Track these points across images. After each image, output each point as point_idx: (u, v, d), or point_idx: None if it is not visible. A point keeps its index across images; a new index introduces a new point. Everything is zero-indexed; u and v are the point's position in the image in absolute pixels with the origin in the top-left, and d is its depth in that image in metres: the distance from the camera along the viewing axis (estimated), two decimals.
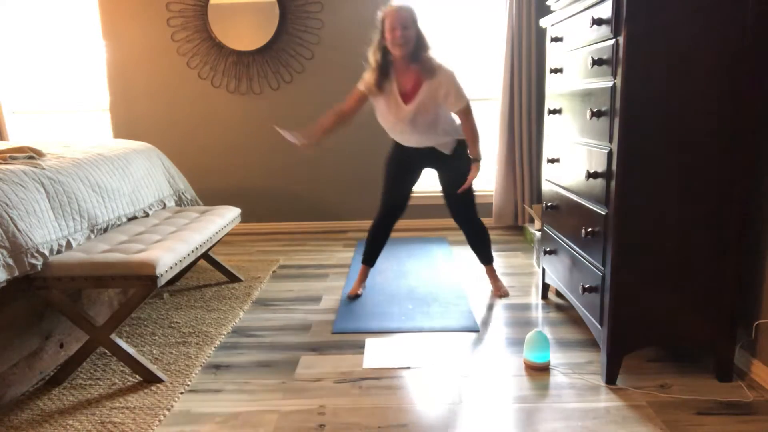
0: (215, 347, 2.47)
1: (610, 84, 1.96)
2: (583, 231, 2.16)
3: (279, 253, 3.93)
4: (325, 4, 4.26)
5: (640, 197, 1.95)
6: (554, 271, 2.68)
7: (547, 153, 2.77)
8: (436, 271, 3.44)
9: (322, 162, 4.47)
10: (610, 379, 2.08)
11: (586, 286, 2.16)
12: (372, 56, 2.75)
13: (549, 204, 2.73)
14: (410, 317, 2.74)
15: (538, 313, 2.78)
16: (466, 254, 3.77)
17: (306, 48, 4.31)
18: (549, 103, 2.73)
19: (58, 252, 2.19)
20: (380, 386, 2.11)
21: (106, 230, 2.57)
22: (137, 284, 2.12)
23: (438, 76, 2.67)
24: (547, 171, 2.77)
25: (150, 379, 2.16)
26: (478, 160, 2.80)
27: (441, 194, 2.99)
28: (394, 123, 2.77)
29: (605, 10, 1.97)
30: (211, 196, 4.48)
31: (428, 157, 2.87)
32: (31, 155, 2.48)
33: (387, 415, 1.93)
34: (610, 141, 1.97)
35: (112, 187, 2.67)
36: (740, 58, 1.85)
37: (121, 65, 4.39)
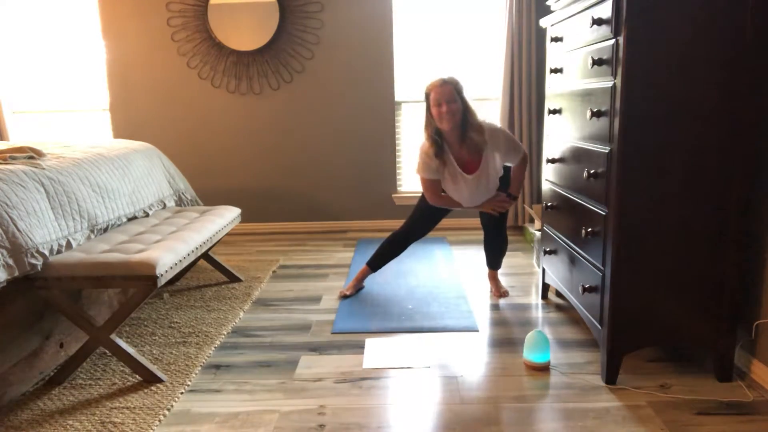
0: (215, 347, 2.47)
1: (610, 84, 1.96)
2: (583, 231, 2.16)
3: (279, 253, 3.93)
4: (325, 4, 4.26)
5: (640, 197, 1.94)
6: (554, 271, 2.68)
7: (547, 153, 2.77)
8: (436, 271, 3.44)
9: (322, 162, 4.48)
10: (610, 379, 2.08)
11: (586, 286, 2.16)
12: (425, 132, 2.75)
13: (549, 204, 2.73)
14: (410, 317, 2.74)
15: (538, 313, 2.78)
16: (466, 254, 3.77)
17: (306, 48, 4.31)
18: (549, 103, 2.73)
19: (58, 252, 2.19)
20: (380, 386, 2.11)
21: (106, 230, 2.57)
22: (137, 284, 2.12)
23: (491, 139, 2.69)
24: (547, 171, 2.77)
25: (150, 379, 2.16)
26: (515, 198, 2.89)
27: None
28: (455, 190, 2.80)
29: (605, 10, 1.97)
30: (211, 196, 4.48)
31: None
32: (31, 155, 2.48)
33: (387, 415, 1.93)
34: (610, 141, 1.97)
35: (112, 187, 2.67)
36: (740, 58, 1.85)
37: (121, 65, 4.39)
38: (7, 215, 1.99)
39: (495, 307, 2.86)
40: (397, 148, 4.48)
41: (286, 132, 4.45)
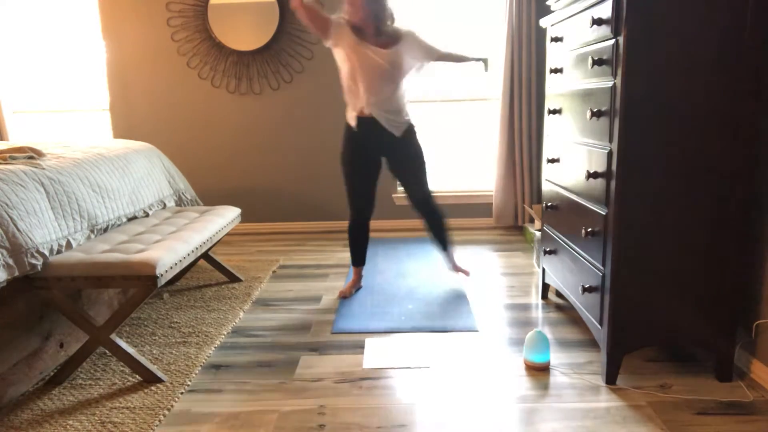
0: (215, 347, 2.47)
1: (610, 84, 1.96)
2: (583, 231, 2.16)
3: (279, 253, 3.93)
4: (325, 4, 4.25)
5: (640, 197, 1.95)
6: (554, 271, 2.68)
7: (547, 153, 2.77)
8: (436, 271, 3.44)
9: (322, 162, 4.48)
10: (610, 379, 2.08)
11: (586, 286, 2.17)
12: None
13: (549, 204, 2.73)
14: (410, 317, 2.74)
15: (538, 313, 2.78)
16: (466, 254, 3.77)
17: (306, 48, 4.31)
18: (549, 103, 2.73)
19: (58, 252, 2.19)
20: (380, 386, 2.11)
21: (106, 230, 2.57)
22: (137, 284, 2.12)
23: (407, 36, 2.82)
24: (547, 171, 2.77)
25: (150, 379, 2.16)
26: (480, 59, 2.97)
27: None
28: (363, 75, 2.75)
29: (605, 10, 1.97)
30: (211, 196, 4.48)
31: (380, 142, 2.88)
32: (31, 155, 2.48)
33: (387, 415, 1.93)
34: (610, 141, 1.97)
35: (112, 187, 2.67)
36: (740, 58, 1.85)
37: (121, 65, 4.39)
38: (7, 215, 1.99)
39: (495, 307, 2.86)
40: None
41: (286, 132, 4.45)
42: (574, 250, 2.37)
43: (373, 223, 4.55)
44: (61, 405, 2.02)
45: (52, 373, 2.23)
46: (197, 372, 2.25)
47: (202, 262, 3.39)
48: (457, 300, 2.95)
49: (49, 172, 2.32)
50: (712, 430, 1.80)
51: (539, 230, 3.39)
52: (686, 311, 2.02)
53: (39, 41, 4.45)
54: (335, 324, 2.68)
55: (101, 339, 2.16)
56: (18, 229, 2.00)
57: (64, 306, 2.15)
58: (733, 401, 1.95)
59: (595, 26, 2.06)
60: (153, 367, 2.20)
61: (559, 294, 2.98)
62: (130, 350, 2.19)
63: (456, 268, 3.24)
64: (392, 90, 2.81)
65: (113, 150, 2.93)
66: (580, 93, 2.27)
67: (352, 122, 2.86)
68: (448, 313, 2.77)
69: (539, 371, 2.19)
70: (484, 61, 2.99)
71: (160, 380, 2.16)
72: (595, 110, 2.06)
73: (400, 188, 4.53)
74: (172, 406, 2.00)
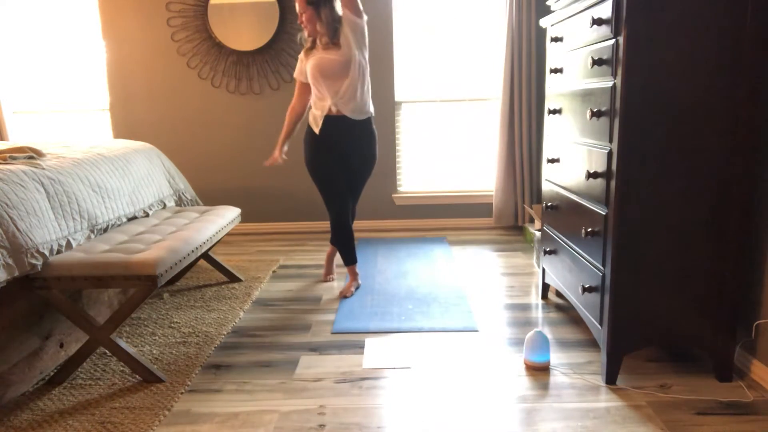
0: (215, 347, 2.47)
1: (610, 84, 1.96)
2: (583, 231, 2.16)
3: (279, 253, 3.93)
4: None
5: (640, 197, 1.95)
6: (554, 271, 2.68)
7: (547, 153, 2.77)
8: (436, 271, 3.44)
9: None
10: (610, 379, 2.08)
11: (586, 286, 2.17)
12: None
13: (549, 204, 2.73)
14: (410, 317, 2.74)
15: (538, 313, 2.78)
16: (466, 254, 3.77)
17: None
18: (549, 103, 2.73)
19: (58, 252, 2.19)
20: (380, 386, 2.11)
21: (106, 230, 2.57)
22: (137, 284, 2.12)
23: (343, 26, 2.85)
24: (547, 171, 2.77)
25: (150, 379, 2.17)
26: None
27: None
28: (324, 75, 2.85)
29: (605, 10, 1.97)
30: (211, 196, 4.48)
31: (348, 140, 2.95)
32: (31, 155, 2.48)
33: (387, 415, 1.93)
34: (610, 141, 1.98)
35: (112, 187, 2.67)
36: (740, 58, 1.85)
37: (121, 65, 4.39)
38: (7, 215, 1.99)
39: (495, 307, 2.86)
40: (397, 148, 4.48)
41: None
42: (574, 250, 2.37)
43: (373, 223, 4.59)
44: (61, 405, 2.02)
45: (52, 373, 2.23)
46: (197, 372, 2.25)
47: (202, 262, 3.39)
48: (457, 300, 2.95)
49: (49, 172, 2.32)
50: (712, 430, 1.80)
51: (539, 230, 3.39)
52: (686, 311, 2.02)
53: (39, 41, 4.45)
54: (335, 324, 2.68)
55: (101, 339, 2.16)
56: (18, 229, 2.00)
57: (64, 306, 2.15)
58: (732, 401, 1.95)
59: (595, 26, 2.06)
60: (153, 367, 2.20)
61: (559, 294, 2.98)
62: (130, 350, 2.19)
63: (348, 288, 3.12)
64: (353, 83, 2.87)
65: (113, 150, 2.93)
66: (580, 93, 2.27)
67: (317, 128, 2.92)
68: (448, 313, 2.77)
69: (539, 371, 2.19)
70: None
71: (160, 380, 2.16)
72: (595, 110, 2.06)
73: (401, 188, 4.54)
74: (171, 406, 2.00)
